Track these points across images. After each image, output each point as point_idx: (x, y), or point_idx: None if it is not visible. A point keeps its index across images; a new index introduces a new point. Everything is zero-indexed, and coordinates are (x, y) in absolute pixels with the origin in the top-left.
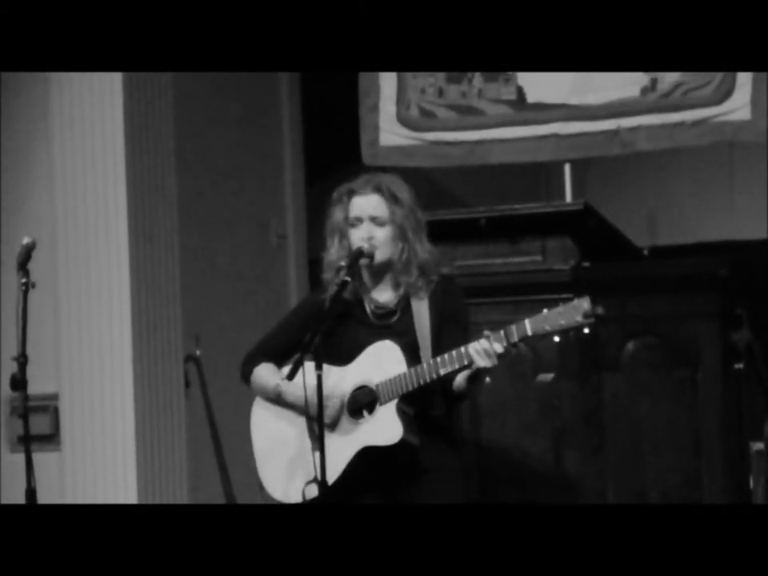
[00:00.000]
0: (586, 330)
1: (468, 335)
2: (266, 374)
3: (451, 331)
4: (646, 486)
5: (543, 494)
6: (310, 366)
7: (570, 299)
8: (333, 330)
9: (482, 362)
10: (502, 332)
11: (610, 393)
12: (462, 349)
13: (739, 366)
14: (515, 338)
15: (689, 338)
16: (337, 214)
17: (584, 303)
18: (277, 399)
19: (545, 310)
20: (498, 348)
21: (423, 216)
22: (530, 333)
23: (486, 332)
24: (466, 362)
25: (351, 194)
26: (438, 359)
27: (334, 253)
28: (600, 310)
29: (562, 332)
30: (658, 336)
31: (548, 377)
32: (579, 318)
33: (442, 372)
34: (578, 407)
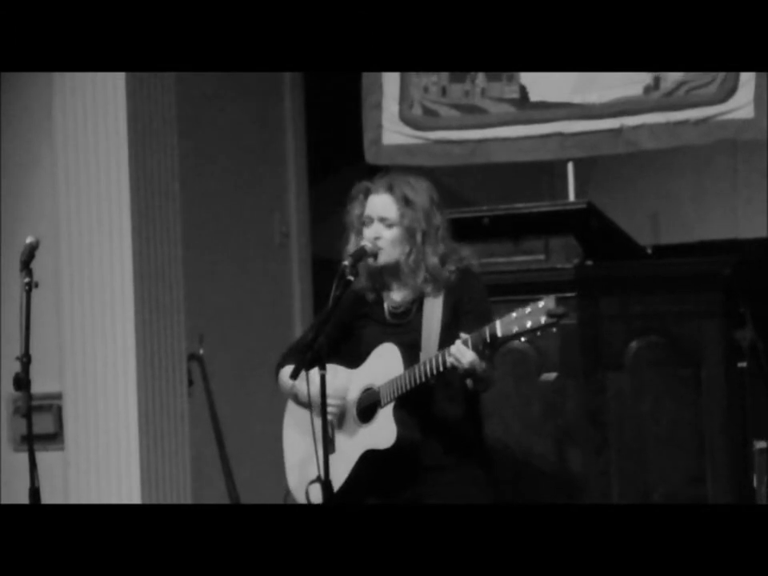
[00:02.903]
0: (554, 330)
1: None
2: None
3: (469, 322)
4: (650, 484)
5: (547, 493)
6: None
7: (537, 301)
8: (353, 329)
9: (456, 364)
10: (476, 333)
11: (614, 392)
12: (445, 352)
13: (743, 364)
14: (487, 339)
15: (692, 337)
16: (354, 211)
17: (548, 303)
18: (294, 399)
19: (514, 312)
20: (469, 353)
21: (442, 220)
22: (499, 334)
23: (463, 335)
24: (446, 364)
25: (368, 192)
26: (426, 361)
27: (350, 249)
28: (561, 310)
29: (529, 332)
30: (661, 335)
31: (551, 376)
32: (543, 319)
33: (426, 374)
34: (582, 406)
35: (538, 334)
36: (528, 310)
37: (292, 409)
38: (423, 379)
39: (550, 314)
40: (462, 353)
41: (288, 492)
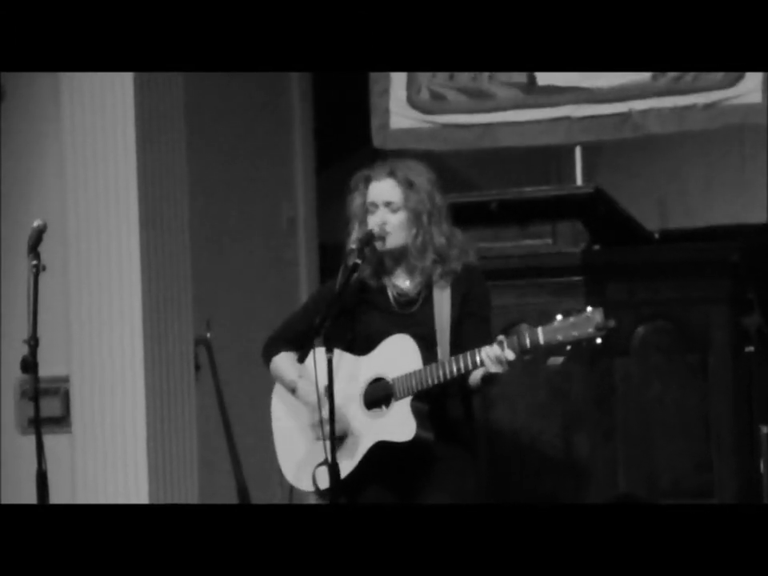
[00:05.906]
0: (599, 341)
1: (489, 327)
2: (285, 364)
3: (472, 322)
4: (657, 470)
5: (553, 479)
6: (323, 350)
7: (583, 310)
8: (354, 315)
9: (492, 368)
10: (514, 338)
11: (621, 377)
12: (476, 353)
13: (750, 349)
14: (527, 346)
15: (699, 323)
16: (355, 201)
17: (597, 315)
18: (291, 393)
19: (558, 317)
20: (510, 355)
21: (444, 201)
22: (542, 342)
23: (500, 337)
24: (478, 365)
25: (368, 180)
26: (453, 359)
27: (353, 239)
28: (612, 324)
29: (573, 342)
30: (668, 320)
31: (558, 360)
32: (591, 330)
33: (456, 373)
34: (589, 391)
35: (583, 344)
36: (572, 319)
37: (283, 395)
38: (448, 377)
39: (598, 328)
40: (508, 356)
41: (292, 488)
